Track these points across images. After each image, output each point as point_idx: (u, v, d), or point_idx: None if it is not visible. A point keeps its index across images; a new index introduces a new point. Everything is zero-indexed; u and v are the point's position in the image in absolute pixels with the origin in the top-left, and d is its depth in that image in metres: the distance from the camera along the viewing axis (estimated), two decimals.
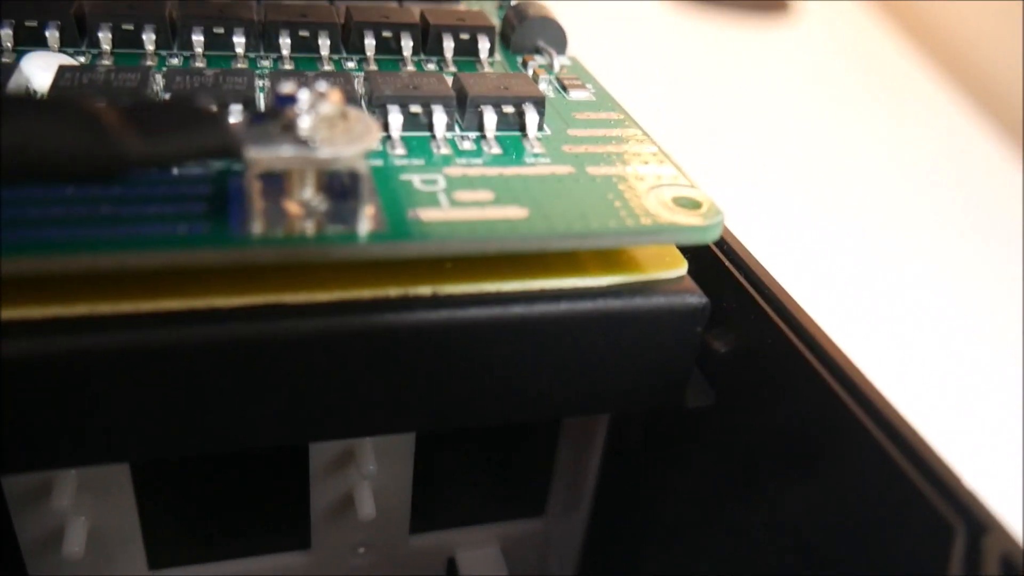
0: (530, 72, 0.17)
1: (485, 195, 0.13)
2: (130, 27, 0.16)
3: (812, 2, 0.67)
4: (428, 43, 0.17)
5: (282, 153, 0.11)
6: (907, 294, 0.38)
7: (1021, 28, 0.54)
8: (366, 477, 0.17)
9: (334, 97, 0.12)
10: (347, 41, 0.17)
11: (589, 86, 0.17)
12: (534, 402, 0.14)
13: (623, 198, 0.14)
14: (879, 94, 0.55)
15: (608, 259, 0.14)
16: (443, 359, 0.14)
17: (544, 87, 0.17)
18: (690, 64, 0.55)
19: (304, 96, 0.12)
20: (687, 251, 0.16)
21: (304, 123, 0.11)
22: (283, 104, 0.12)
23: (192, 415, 0.13)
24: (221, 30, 0.16)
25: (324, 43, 0.17)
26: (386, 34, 0.17)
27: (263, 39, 0.17)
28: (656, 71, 0.53)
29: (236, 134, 0.11)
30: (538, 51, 0.18)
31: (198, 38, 0.16)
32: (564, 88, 0.17)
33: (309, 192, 0.12)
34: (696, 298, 0.14)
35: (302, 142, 0.11)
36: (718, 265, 0.16)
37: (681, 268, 0.15)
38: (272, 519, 0.18)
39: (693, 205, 0.14)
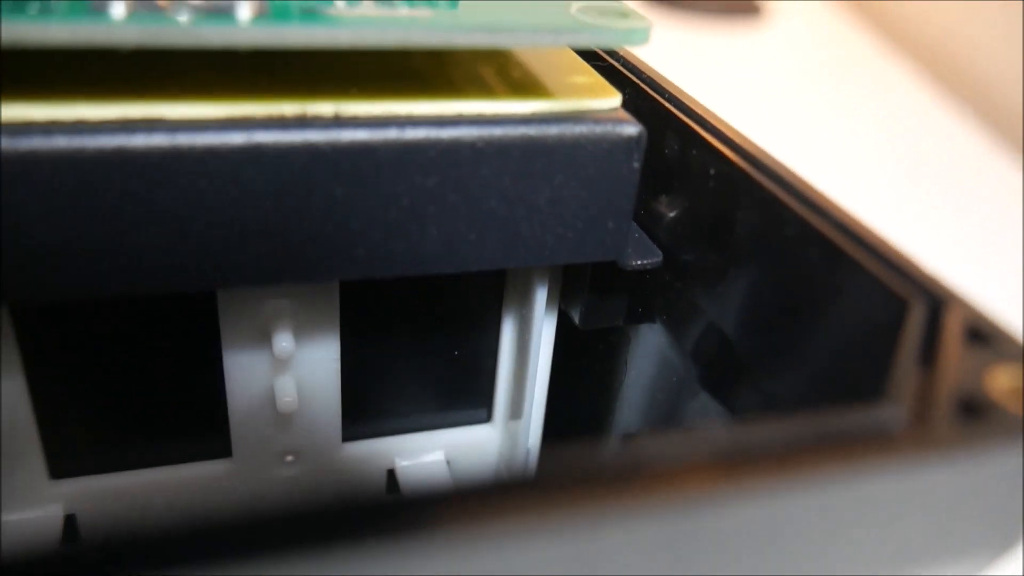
0: None
1: (386, 5, 0.12)
2: None
3: (783, 3, 0.67)
4: None
5: None
6: None
7: (1000, 24, 0.54)
8: (284, 359, 0.15)
9: None
10: None
11: None
12: (452, 247, 0.13)
13: (545, 7, 0.13)
14: (856, 94, 0.54)
15: (531, 83, 0.13)
16: (346, 189, 0.12)
17: None
18: (663, 67, 0.55)
19: None
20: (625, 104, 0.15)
21: None
22: None
23: (63, 247, 0.11)
24: None
25: None
26: None
27: None
28: None
29: None
30: None
31: None
32: None
33: None
34: (630, 127, 0.13)
35: None
36: (657, 108, 0.15)
37: (614, 98, 0.13)
38: (185, 421, 0.16)
39: (620, 15, 0.13)
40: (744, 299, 0.13)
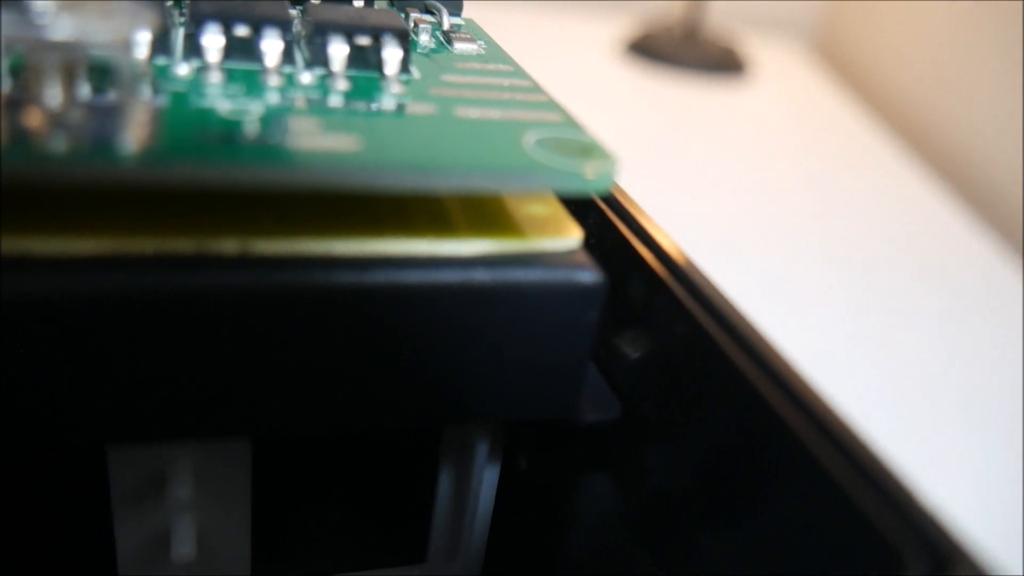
0: (410, 23, 0.15)
1: (308, 125, 0.10)
2: None
3: (767, 61, 0.66)
4: None
5: None
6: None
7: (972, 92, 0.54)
8: (182, 508, 0.13)
9: None
10: None
11: (481, 42, 0.15)
12: (376, 403, 0.11)
13: (492, 138, 0.11)
14: (831, 154, 0.53)
15: (476, 218, 0.11)
16: (252, 339, 0.10)
17: (424, 38, 0.14)
18: (643, 121, 0.54)
19: None
20: (589, 231, 0.13)
21: None
22: None
23: None
24: None
25: None
26: None
27: None
28: (610, 127, 0.51)
29: None
30: (429, 12, 0.16)
31: None
32: (448, 41, 0.14)
33: (57, 96, 0.09)
34: (589, 274, 0.11)
35: (26, 14, 0.08)
36: (624, 246, 0.13)
37: (573, 237, 0.12)
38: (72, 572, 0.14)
39: (581, 151, 0.11)
40: (700, 468, 0.12)
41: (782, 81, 0.64)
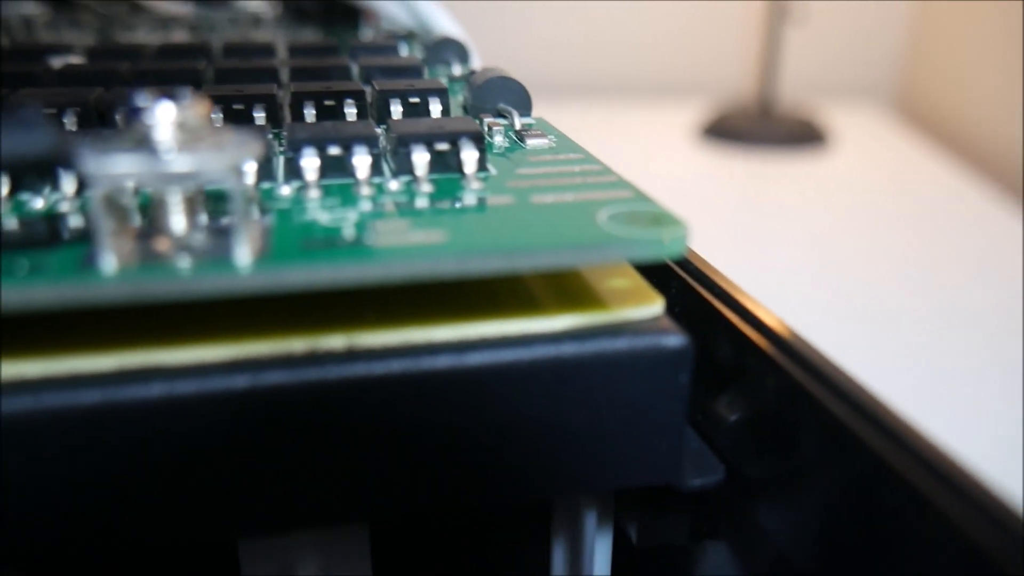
0: (484, 127, 0.16)
1: (399, 225, 0.11)
2: None
3: (849, 129, 0.66)
4: (376, 111, 0.16)
5: (124, 164, 0.10)
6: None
7: None
8: None
9: (199, 108, 0.10)
10: (291, 111, 0.16)
11: (552, 137, 0.16)
12: (486, 480, 0.12)
13: (568, 219, 0.12)
14: (933, 211, 0.52)
15: (562, 295, 0.12)
16: (363, 427, 0.11)
17: (499, 140, 0.15)
18: (727, 202, 0.54)
19: (160, 105, 0.10)
20: (672, 300, 0.13)
21: (158, 133, 0.10)
22: (136, 116, 0.10)
23: (58, 511, 0.11)
24: None
25: (259, 115, 0.15)
26: (328, 103, 0.16)
27: None
28: (693, 211, 0.52)
29: (67, 139, 0.09)
30: (501, 115, 0.17)
31: None
32: (521, 139, 0.15)
33: (181, 223, 0.10)
34: (675, 338, 0.12)
35: (153, 153, 0.10)
36: (708, 311, 0.13)
37: (655, 305, 0.12)
38: None
39: (653, 220, 0.12)
40: (818, 529, 0.12)
41: (868, 146, 0.63)
